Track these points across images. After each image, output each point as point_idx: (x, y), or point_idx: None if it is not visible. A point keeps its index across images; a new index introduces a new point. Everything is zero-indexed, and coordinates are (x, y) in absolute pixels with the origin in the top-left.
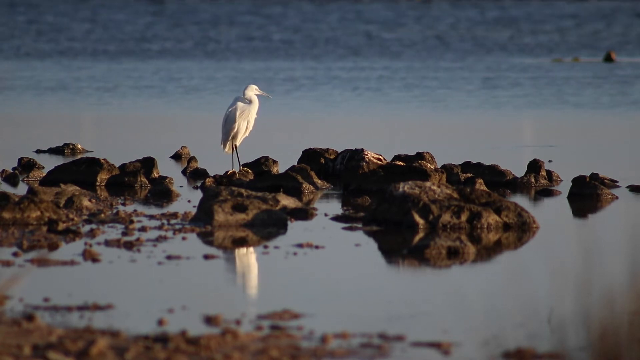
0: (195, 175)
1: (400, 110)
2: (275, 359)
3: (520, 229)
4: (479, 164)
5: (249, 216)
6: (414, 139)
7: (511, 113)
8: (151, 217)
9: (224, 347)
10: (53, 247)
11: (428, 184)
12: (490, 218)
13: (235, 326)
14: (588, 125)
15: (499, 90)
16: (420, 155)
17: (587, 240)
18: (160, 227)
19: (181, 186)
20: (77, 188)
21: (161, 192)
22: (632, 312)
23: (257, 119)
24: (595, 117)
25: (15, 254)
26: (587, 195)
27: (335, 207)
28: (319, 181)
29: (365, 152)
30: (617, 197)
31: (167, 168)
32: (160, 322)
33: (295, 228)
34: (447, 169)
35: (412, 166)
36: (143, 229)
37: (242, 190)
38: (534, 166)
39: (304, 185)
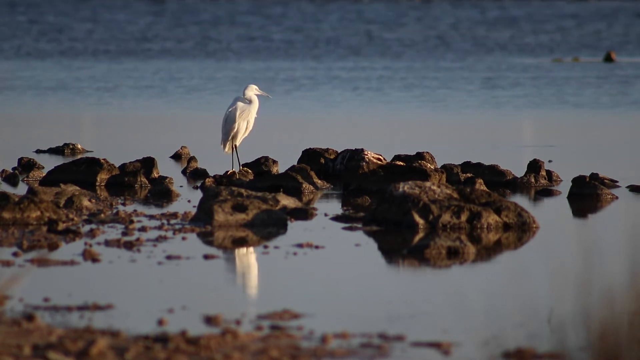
0: (195, 175)
1: (401, 110)
2: (275, 359)
3: (520, 229)
4: (479, 164)
5: (249, 216)
6: (414, 139)
7: (511, 113)
8: (151, 217)
9: (224, 347)
10: (53, 247)
11: (428, 184)
12: (490, 218)
13: (235, 326)
14: (588, 125)
15: (499, 90)
16: (420, 155)
17: (587, 240)
18: (160, 227)
19: (181, 186)
20: (77, 188)
21: (161, 192)
22: (632, 312)
23: (257, 119)
24: (596, 117)
25: (15, 254)
26: (587, 195)
27: (335, 207)
28: (319, 181)
29: (365, 152)
30: (617, 197)
31: (167, 168)
32: (160, 322)
33: (295, 228)
34: (447, 169)
35: (412, 166)
36: (143, 229)
37: (242, 190)
38: (534, 166)
39: (304, 185)
